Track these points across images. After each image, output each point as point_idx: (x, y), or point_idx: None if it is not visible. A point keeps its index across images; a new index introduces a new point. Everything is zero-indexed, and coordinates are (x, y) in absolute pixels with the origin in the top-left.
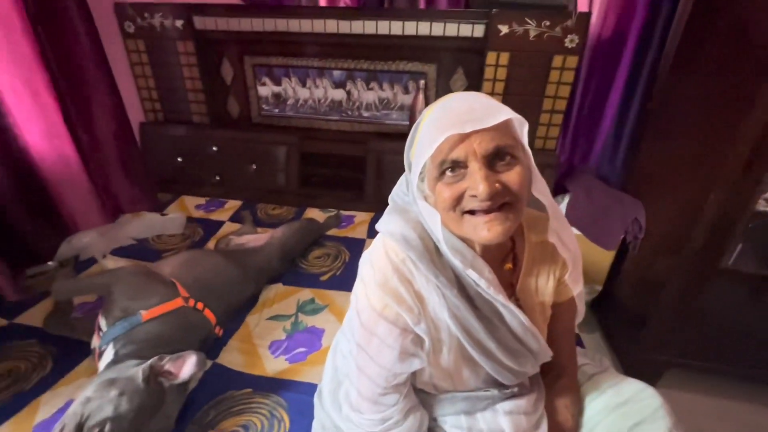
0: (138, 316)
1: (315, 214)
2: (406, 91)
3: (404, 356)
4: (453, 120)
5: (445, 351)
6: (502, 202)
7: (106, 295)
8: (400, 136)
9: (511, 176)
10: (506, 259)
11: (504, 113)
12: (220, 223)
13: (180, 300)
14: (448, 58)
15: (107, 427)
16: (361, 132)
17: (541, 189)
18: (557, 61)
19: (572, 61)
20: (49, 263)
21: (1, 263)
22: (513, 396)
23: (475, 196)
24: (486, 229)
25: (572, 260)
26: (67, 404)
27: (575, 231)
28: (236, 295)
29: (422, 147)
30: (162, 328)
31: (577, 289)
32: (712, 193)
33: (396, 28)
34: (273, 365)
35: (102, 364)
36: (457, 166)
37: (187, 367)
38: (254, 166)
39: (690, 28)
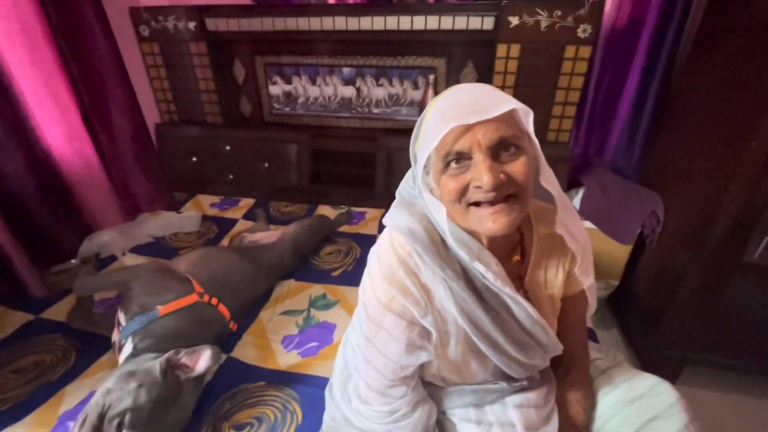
0: (155, 311)
1: (326, 210)
2: (416, 87)
3: (411, 348)
4: (457, 111)
5: (452, 343)
6: (507, 193)
7: (125, 291)
8: (410, 132)
9: (516, 167)
10: (514, 252)
11: (508, 103)
12: (234, 221)
13: (195, 295)
14: (458, 52)
15: (127, 417)
16: (371, 128)
17: (548, 178)
18: (570, 51)
19: (585, 51)
20: (72, 261)
21: (26, 261)
22: (523, 389)
23: (479, 188)
24: (491, 221)
25: (581, 252)
26: (90, 395)
27: (590, 225)
28: (250, 290)
29: (427, 139)
30: (178, 322)
31: (587, 281)
32: (733, 185)
33: (405, 23)
34: (286, 359)
35: (122, 357)
36: (462, 157)
37: (202, 360)
38: (266, 165)
39: (709, 15)
